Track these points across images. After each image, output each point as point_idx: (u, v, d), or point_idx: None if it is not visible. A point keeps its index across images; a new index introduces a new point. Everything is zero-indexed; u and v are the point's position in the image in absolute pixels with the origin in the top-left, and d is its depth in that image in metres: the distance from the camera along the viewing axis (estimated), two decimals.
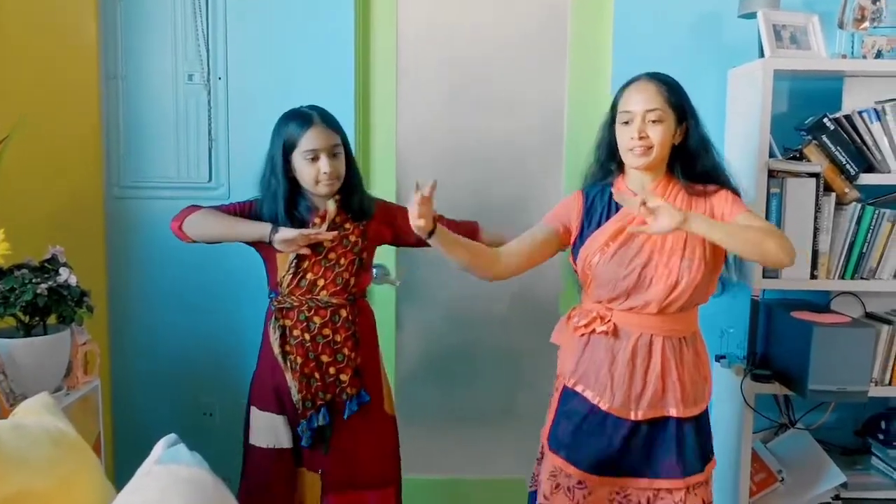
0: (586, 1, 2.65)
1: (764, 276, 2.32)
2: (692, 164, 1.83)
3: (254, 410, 2.11)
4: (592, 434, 1.84)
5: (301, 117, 2.01)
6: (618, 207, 1.84)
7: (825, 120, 2.29)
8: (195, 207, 2.07)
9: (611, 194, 1.86)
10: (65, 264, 2.00)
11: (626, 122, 1.79)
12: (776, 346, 2.38)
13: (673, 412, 1.83)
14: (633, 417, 1.82)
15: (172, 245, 2.28)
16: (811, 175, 2.28)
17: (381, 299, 2.76)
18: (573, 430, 1.86)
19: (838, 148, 2.29)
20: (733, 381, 2.41)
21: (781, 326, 2.35)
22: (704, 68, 2.55)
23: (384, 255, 2.56)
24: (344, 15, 2.58)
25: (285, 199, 2.01)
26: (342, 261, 2.05)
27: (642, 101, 1.77)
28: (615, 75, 2.55)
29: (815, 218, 2.29)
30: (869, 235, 2.32)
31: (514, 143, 2.74)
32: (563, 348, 1.94)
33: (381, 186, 2.71)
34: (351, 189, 2.07)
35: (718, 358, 2.57)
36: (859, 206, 2.31)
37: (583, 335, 1.87)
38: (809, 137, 2.32)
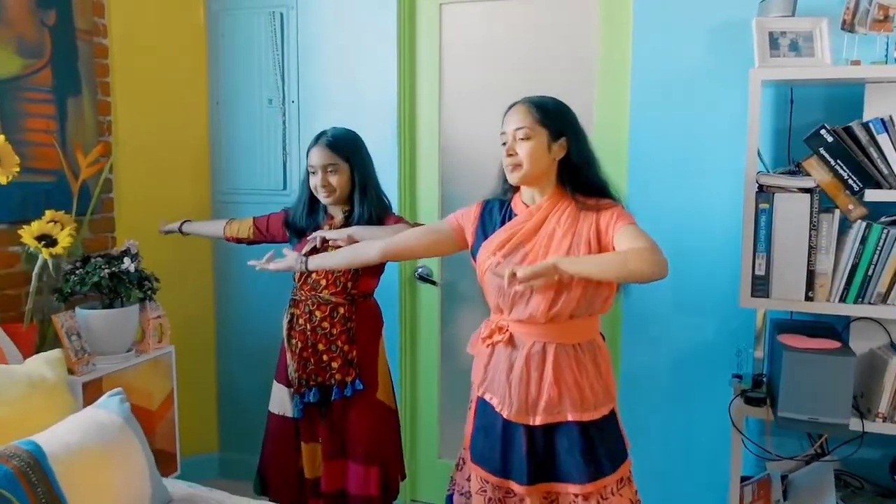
0: (613, 16, 2.68)
1: (753, 296, 2.21)
2: (578, 177, 1.90)
3: (274, 382, 2.54)
4: (506, 444, 1.93)
5: (315, 138, 2.41)
6: (510, 219, 1.95)
7: (822, 131, 2.12)
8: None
9: (508, 207, 1.99)
10: (133, 255, 2.56)
11: (504, 143, 1.90)
12: (771, 369, 2.27)
13: (571, 417, 1.87)
14: (531, 423, 1.89)
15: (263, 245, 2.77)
16: (804, 191, 2.13)
17: (427, 300, 3.04)
18: (491, 445, 1.96)
19: (839, 161, 2.11)
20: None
21: (772, 348, 2.23)
22: (731, 75, 2.46)
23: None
24: (389, 46, 2.92)
25: (304, 204, 2.46)
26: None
27: (512, 122, 1.89)
28: (634, 89, 2.58)
29: (811, 236, 2.14)
30: (876, 257, 2.11)
31: None
32: (476, 359, 2.06)
33: (426, 192, 3.00)
34: (355, 205, 2.39)
35: (734, 377, 2.48)
36: (864, 224, 2.11)
37: (488, 346, 1.98)
38: (810, 150, 2.17)
